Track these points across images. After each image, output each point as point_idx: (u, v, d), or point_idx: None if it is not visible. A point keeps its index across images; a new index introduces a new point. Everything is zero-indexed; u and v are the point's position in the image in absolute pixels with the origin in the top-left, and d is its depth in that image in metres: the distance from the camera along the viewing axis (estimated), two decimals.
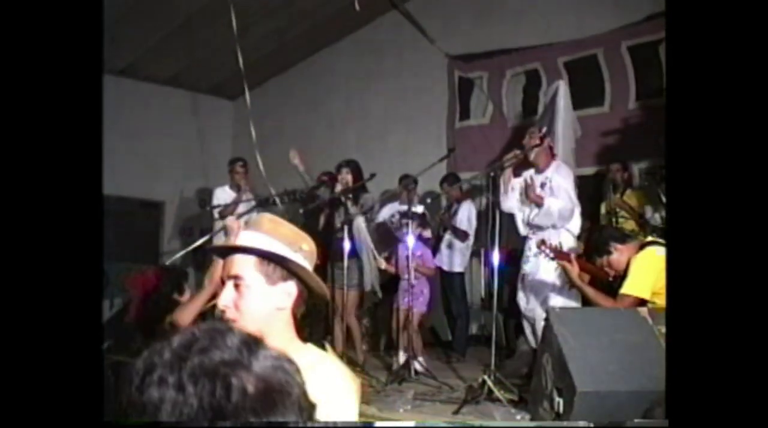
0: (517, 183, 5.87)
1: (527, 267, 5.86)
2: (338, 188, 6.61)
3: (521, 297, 5.91)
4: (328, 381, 1.77)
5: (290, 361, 1.08)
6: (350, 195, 6.47)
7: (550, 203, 5.65)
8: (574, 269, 4.66)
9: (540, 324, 5.44)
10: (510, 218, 5.97)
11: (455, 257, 7.14)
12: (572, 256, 4.78)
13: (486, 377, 4.94)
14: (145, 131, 10.22)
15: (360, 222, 6.46)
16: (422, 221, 6.63)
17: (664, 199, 5.96)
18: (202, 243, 6.64)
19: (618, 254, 4.47)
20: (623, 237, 4.58)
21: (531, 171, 5.89)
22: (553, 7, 8.18)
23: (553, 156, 5.94)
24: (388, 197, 7.04)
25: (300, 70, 10.75)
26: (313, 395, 1.07)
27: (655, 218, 6.29)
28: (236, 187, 7.73)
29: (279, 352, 1.07)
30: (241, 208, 7.25)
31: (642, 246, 4.44)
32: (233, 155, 10.98)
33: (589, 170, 7.75)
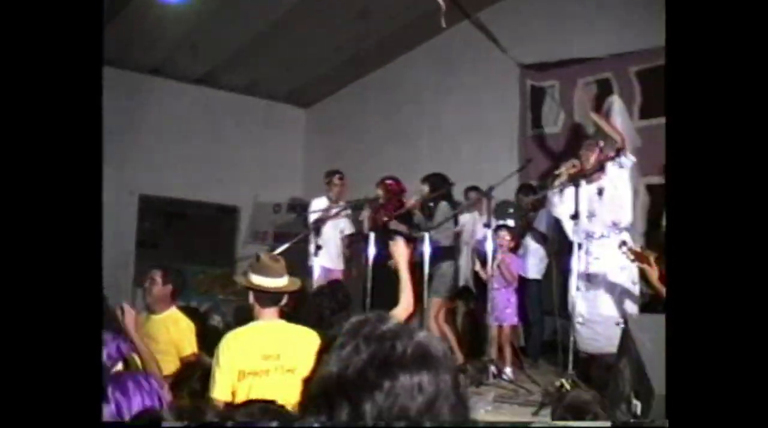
0: (569, 191, 5.94)
1: (592, 269, 5.87)
2: (413, 199, 7.11)
3: (580, 301, 5.83)
4: None
5: (439, 339, 1.40)
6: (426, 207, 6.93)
7: (602, 211, 5.76)
8: (653, 272, 4.70)
9: (607, 325, 5.52)
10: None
11: (533, 265, 7.22)
12: (652, 259, 4.82)
13: (564, 380, 5.05)
14: (221, 138, 10.53)
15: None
16: (514, 233, 6.88)
17: None
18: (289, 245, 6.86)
19: None
20: None
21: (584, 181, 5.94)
22: (624, 16, 8.17)
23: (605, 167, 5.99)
24: (461, 209, 7.26)
25: (373, 80, 10.88)
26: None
27: None
28: (332, 198, 7.95)
29: (431, 332, 1.37)
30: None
31: None
32: (305, 162, 11.31)
33: (657, 180, 7.71)
